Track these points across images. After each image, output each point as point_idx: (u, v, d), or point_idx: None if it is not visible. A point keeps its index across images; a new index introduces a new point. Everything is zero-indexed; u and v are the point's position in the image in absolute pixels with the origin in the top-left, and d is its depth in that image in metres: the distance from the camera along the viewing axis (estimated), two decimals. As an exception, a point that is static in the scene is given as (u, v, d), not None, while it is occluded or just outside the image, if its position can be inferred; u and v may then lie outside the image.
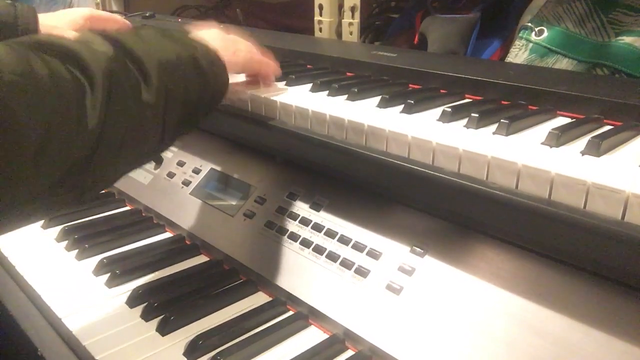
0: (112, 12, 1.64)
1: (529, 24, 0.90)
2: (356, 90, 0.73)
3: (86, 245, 0.85)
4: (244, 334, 0.66)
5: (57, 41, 0.50)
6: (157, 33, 0.60)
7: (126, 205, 1.02)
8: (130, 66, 0.53)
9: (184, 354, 0.64)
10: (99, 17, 0.97)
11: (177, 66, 0.58)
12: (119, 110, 0.50)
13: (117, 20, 1.02)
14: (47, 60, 0.46)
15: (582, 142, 0.55)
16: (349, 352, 0.64)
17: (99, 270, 0.80)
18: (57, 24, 0.88)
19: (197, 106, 0.62)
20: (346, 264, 0.69)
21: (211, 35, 0.69)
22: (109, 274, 0.78)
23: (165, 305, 0.71)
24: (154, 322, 0.69)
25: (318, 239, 0.73)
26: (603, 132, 0.57)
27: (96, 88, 0.48)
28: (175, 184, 0.95)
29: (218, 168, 0.92)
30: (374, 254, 0.68)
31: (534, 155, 0.52)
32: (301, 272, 0.72)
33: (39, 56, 0.46)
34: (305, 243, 0.74)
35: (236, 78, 0.79)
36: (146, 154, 0.58)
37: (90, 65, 0.49)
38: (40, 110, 0.43)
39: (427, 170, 0.58)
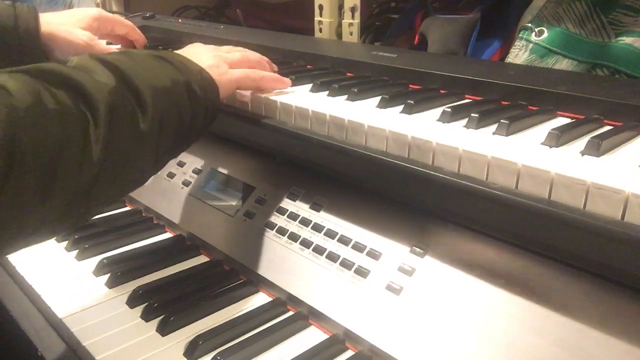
0: (112, 12, 1.64)
1: (529, 25, 0.90)
2: (356, 90, 0.73)
3: (86, 246, 0.85)
4: (244, 334, 0.66)
5: (60, 70, 0.51)
6: (151, 57, 0.61)
7: (126, 206, 1.02)
8: (129, 96, 0.54)
9: (184, 354, 0.64)
10: (107, 18, 0.96)
11: (171, 92, 0.59)
12: (118, 142, 0.51)
13: (125, 24, 1.02)
14: (54, 93, 0.47)
15: (582, 142, 0.55)
16: (349, 353, 0.64)
17: (99, 270, 0.80)
18: (64, 22, 0.88)
19: (190, 131, 0.63)
20: (346, 264, 0.69)
21: (203, 54, 0.70)
22: (109, 274, 0.78)
23: (166, 306, 0.71)
24: (154, 322, 0.69)
25: (318, 239, 0.73)
26: (603, 132, 0.57)
27: (99, 121, 0.49)
28: (176, 184, 0.95)
29: (218, 168, 0.92)
30: (374, 254, 0.68)
31: (534, 156, 0.52)
32: (301, 273, 0.72)
33: (47, 89, 0.47)
34: (305, 243, 0.74)
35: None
36: (138, 179, 0.59)
37: (94, 98, 0.50)
38: (46, 143, 0.45)
39: (427, 171, 0.58)
